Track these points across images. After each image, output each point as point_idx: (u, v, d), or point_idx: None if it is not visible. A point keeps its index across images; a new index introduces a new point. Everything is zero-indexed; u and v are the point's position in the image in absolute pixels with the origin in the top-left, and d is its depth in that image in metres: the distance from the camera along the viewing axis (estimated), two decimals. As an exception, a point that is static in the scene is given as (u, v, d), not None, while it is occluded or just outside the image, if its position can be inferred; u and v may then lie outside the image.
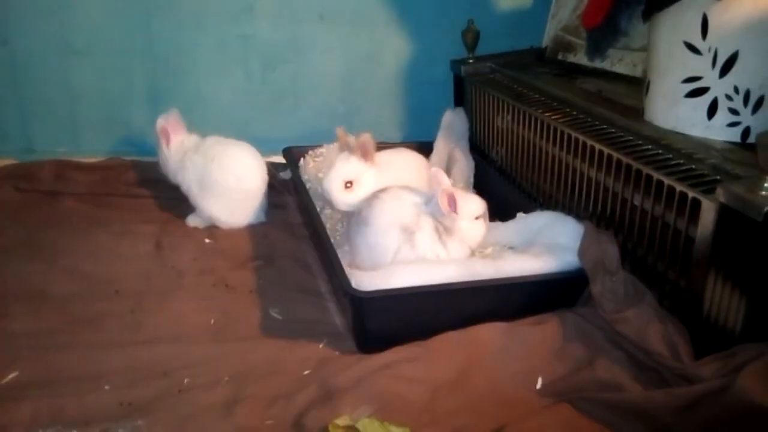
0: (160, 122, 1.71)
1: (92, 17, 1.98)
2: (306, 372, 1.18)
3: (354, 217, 1.43)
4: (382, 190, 1.41)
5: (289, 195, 1.92)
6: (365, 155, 1.53)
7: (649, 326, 1.13)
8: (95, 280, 1.45)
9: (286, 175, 1.98)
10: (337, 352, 1.24)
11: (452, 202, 1.34)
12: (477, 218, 1.38)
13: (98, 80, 2.04)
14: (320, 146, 1.95)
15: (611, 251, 1.23)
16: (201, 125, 1.79)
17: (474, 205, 1.39)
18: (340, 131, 1.59)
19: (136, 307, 1.36)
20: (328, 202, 1.56)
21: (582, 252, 1.26)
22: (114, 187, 1.91)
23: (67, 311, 1.34)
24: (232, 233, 1.70)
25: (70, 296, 1.39)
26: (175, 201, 1.79)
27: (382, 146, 1.80)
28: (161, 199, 1.85)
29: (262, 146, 1.78)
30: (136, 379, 1.14)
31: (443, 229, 1.36)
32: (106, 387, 1.12)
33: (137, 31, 2.01)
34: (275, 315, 1.36)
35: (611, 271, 1.21)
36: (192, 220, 1.74)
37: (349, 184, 1.52)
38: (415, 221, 1.35)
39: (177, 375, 1.16)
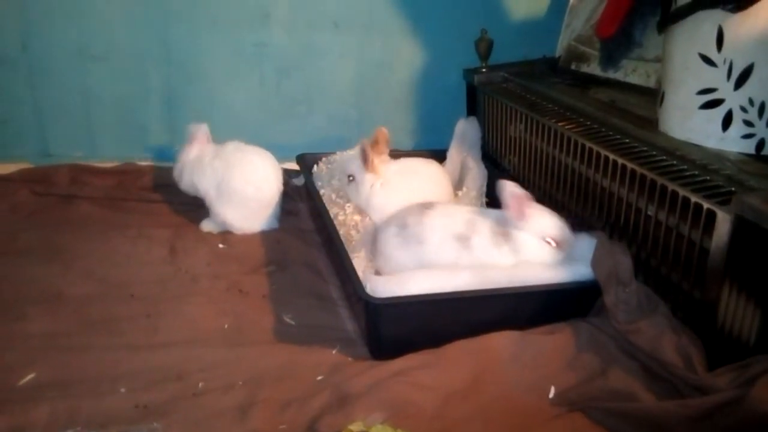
0: (194, 128, 1.74)
1: (110, 23, 2.00)
2: (319, 377, 1.18)
3: (392, 231, 1.42)
4: (429, 207, 1.41)
5: (301, 202, 1.93)
6: (364, 161, 1.63)
7: (662, 337, 1.13)
8: (111, 284, 1.47)
9: (299, 181, 1.99)
10: (350, 358, 1.25)
11: (522, 211, 1.31)
12: (547, 240, 1.31)
13: (115, 85, 2.06)
14: (334, 153, 1.96)
15: (624, 262, 1.23)
16: (216, 131, 1.80)
17: (546, 223, 1.32)
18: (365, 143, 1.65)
19: (151, 310, 1.37)
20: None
21: (595, 263, 1.26)
22: (129, 191, 1.93)
23: (83, 314, 1.35)
24: (246, 239, 1.72)
25: (87, 299, 1.40)
26: (189, 206, 1.81)
27: (399, 154, 1.82)
28: (175, 204, 1.87)
29: (275, 152, 1.79)
30: (152, 382, 1.16)
31: (501, 235, 1.33)
32: (122, 389, 1.14)
33: (154, 37, 2.03)
34: (288, 320, 1.37)
35: (624, 282, 1.21)
36: (206, 225, 1.75)
37: (351, 177, 1.68)
38: (470, 227, 1.35)
39: (192, 378, 1.17)
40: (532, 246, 1.32)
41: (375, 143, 1.65)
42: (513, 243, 1.33)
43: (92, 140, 2.10)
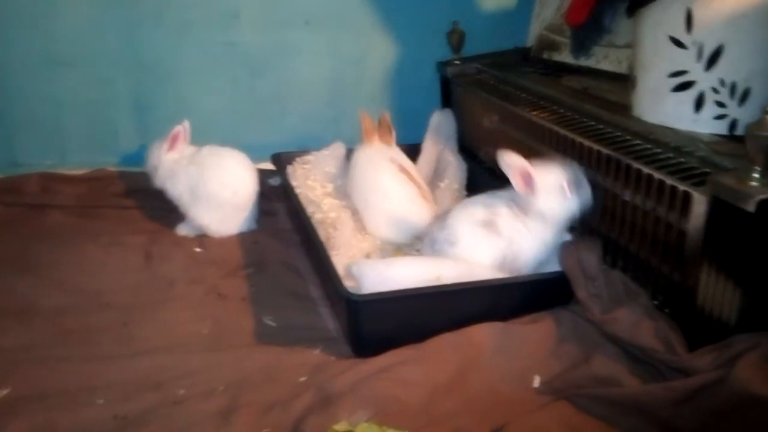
0: (178, 128, 1.70)
1: (76, 28, 1.96)
2: (302, 378, 1.17)
3: (425, 243, 1.43)
4: (447, 212, 1.40)
5: (278, 202, 1.91)
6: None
7: (639, 324, 1.13)
8: (85, 293, 1.44)
9: (275, 181, 1.97)
10: (332, 358, 1.23)
11: (528, 180, 1.28)
12: (558, 191, 1.28)
13: (83, 91, 2.02)
14: (308, 153, 1.94)
15: (588, 259, 1.24)
16: (189, 133, 1.78)
17: (549, 177, 1.28)
18: (363, 114, 1.75)
19: (127, 318, 1.34)
20: None
21: (561, 260, 1.28)
22: (101, 198, 1.90)
23: (57, 325, 1.32)
24: (222, 241, 1.69)
25: (61, 310, 1.37)
26: (163, 211, 1.78)
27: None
28: (149, 209, 1.84)
29: (250, 153, 1.77)
30: (130, 392, 1.13)
31: (519, 211, 1.32)
32: (100, 401, 1.11)
33: (122, 40, 1.99)
34: (269, 322, 1.35)
35: (592, 277, 1.22)
36: (182, 229, 1.72)
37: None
38: (490, 211, 1.33)
39: (171, 386, 1.15)
40: (546, 208, 1.29)
41: (379, 123, 1.74)
42: (535, 209, 1.30)
43: (62, 148, 2.05)
